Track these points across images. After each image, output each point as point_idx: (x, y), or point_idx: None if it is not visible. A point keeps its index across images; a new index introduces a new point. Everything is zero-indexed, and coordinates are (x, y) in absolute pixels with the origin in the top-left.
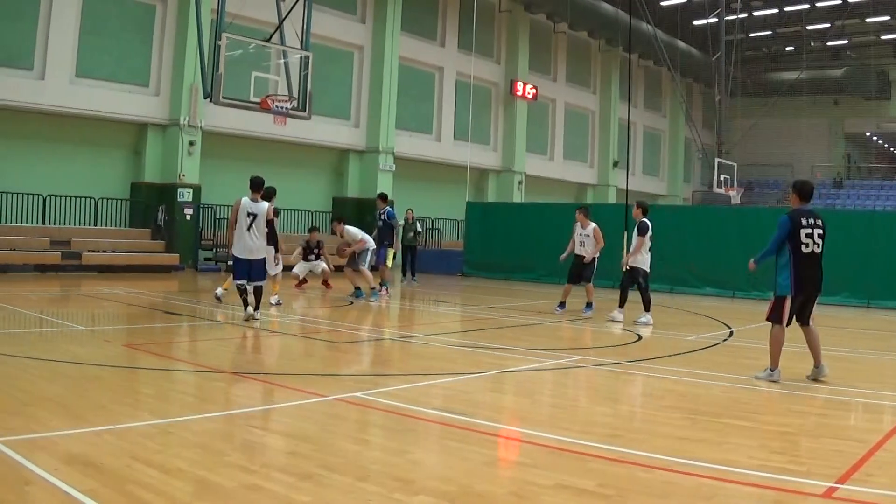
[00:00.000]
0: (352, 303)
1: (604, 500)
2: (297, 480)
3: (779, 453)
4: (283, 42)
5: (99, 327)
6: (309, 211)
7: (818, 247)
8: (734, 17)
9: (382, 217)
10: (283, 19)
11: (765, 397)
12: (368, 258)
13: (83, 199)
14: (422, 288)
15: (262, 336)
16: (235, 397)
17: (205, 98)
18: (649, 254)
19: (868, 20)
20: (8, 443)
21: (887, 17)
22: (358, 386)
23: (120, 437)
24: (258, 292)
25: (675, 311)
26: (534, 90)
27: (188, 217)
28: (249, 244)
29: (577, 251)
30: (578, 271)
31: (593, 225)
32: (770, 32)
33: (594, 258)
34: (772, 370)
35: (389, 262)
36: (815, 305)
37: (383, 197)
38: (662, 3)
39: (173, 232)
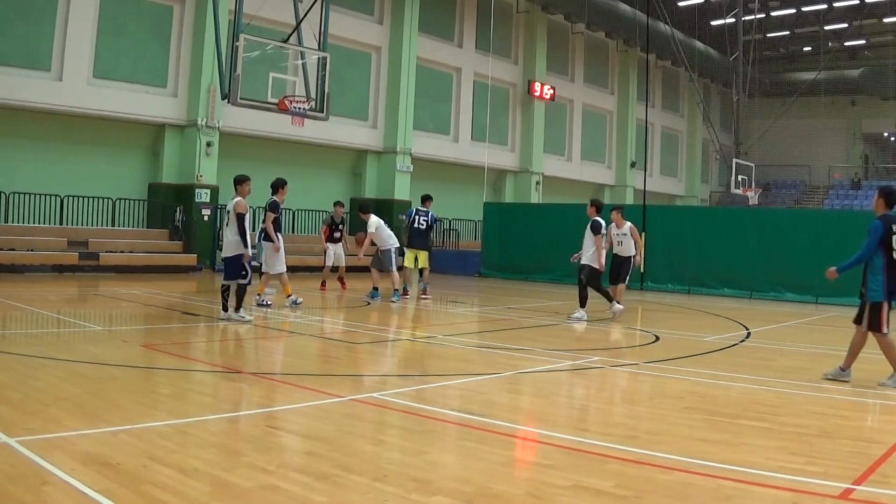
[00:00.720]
0: (368, 303)
1: (621, 501)
2: (313, 481)
3: (796, 454)
4: (300, 43)
5: (116, 328)
6: (327, 211)
7: None
8: (751, 17)
9: (425, 219)
10: (301, 20)
11: (782, 398)
12: (393, 259)
13: (101, 199)
14: (439, 289)
15: (278, 337)
16: (252, 397)
17: (222, 99)
18: (603, 252)
19: (886, 20)
20: (25, 443)
21: None
22: (375, 386)
23: (137, 437)
24: (238, 291)
25: (693, 311)
26: (551, 91)
27: (206, 218)
28: (223, 242)
29: (615, 251)
30: (617, 271)
31: (629, 224)
32: (787, 32)
33: (630, 257)
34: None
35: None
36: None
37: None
38: (680, 4)
39: (191, 232)
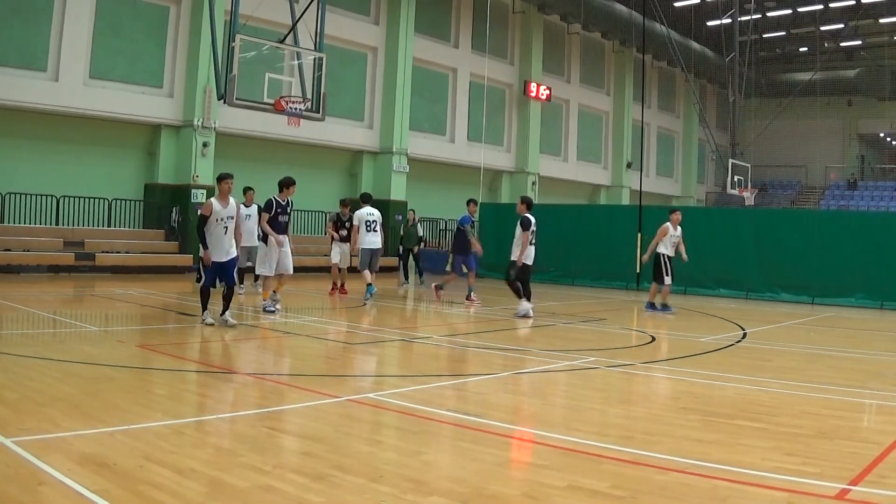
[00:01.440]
0: (365, 303)
1: (617, 501)
2: (310, 481)
3: (792, 455)
4: (296, 43)
5: (112, 328)
6: (322, 212)
7: None
8: (748, 17)
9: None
10: (297, 21)
11: (778, 399)
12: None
13: (97, 200)
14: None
15: (275, 337)
16: (249, 398)
17: (218, 99)
18: (532, 247)
19: (882, 20)
20: (22, 443)
21: None
22: (371, 387)
23: (133, 437)
24: (201, 293)
25: (689, 312)
26: (547, 91)
27: None
28: None
29: (671, 253)
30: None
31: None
32: (784, 33)
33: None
34: None
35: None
36: None
37: (474, 201)
38: (676, 4)
39: (187, 233)
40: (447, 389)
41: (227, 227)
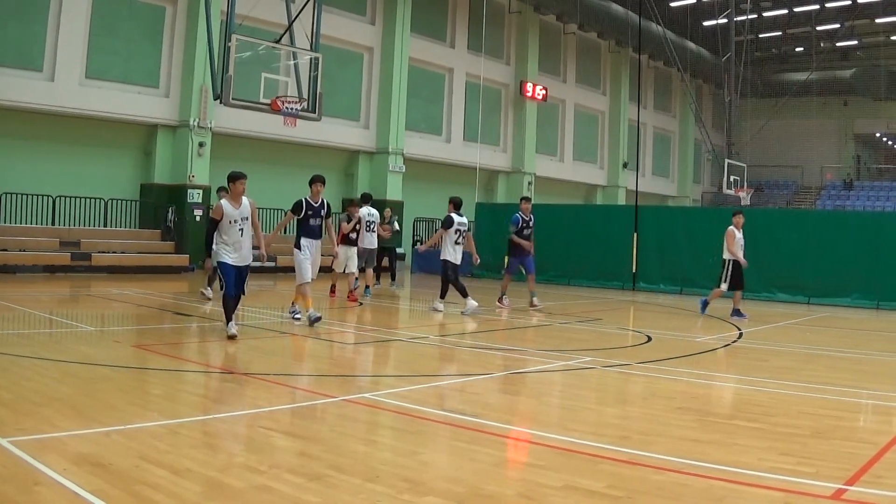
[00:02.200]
0: (361, 304)
1: (613, 501)
2: (306, 481)
3: (788, 455)
4: (292, 43)
5: (108, 328)
6: None
7: None
8: (744, 17)
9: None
10: (293, 21)
11: (775, 399)
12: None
13: (93, 200)
14: (431, 289)
15: (271, 337)
16: (244, 398)
17: (214, 99)
18: (458, 247)
19: (878, 21)
20: (17, 443)
21: None
22: (367, 387)
23: (129, 437)
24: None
25: (685, 312)
26: (543, 91)
27: (198, 218)
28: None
29: (738, 257)
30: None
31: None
32: (780, 33)
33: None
34: None
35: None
36: None
37: (526, 199)
38: (672, 4)
39: (183, 233)
40: (443, 389)
41: (242, 229)
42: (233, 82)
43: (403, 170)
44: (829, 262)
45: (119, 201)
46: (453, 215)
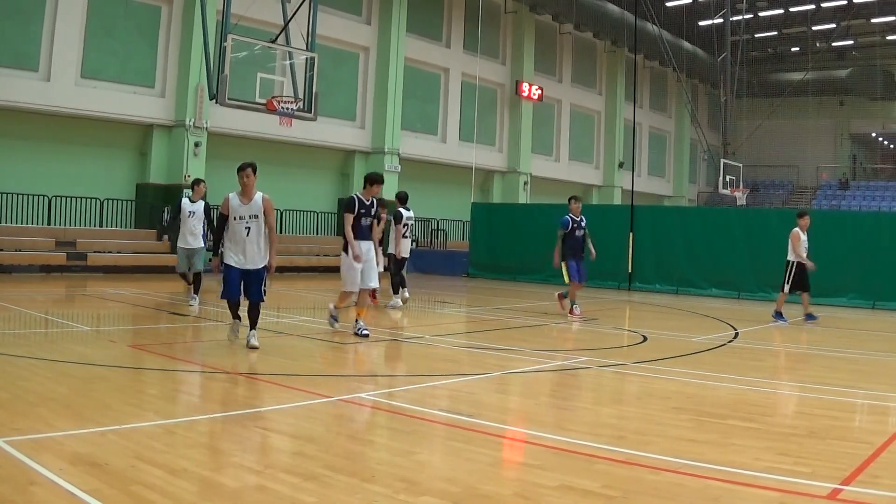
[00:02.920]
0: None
1: (609, 501)
2: (302, 481)
3: (784, 455)
4: (288, 43)
5: (104, 328)
6: (314, 212)
7: None
8: (739, 17)
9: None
10: (289, 20)
11: (771, 399)
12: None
13: (89, 199)
14: (427, 289)
15: (267, 337)
16: (240, 398)
17: (210, 99)
18: (405, 240)
19: (873, 20)
20: (13, 443)
21: (893, 18)
22: (363, 387)
23: (125, 437)
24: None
25: (681, 312)
26: (539, 91)
27: None
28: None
29: (802, 259)
30: (806, 279)
31: None
32: (775, 33)
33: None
34: None
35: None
36: None
37: (575, 198)
38: (668, 4)
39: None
40: (439, 389)
41: (248, 228)
42: (228, 82)
43: (399, 170)
44: (825, 262)
45: (115, 201)
46: (402, 210)
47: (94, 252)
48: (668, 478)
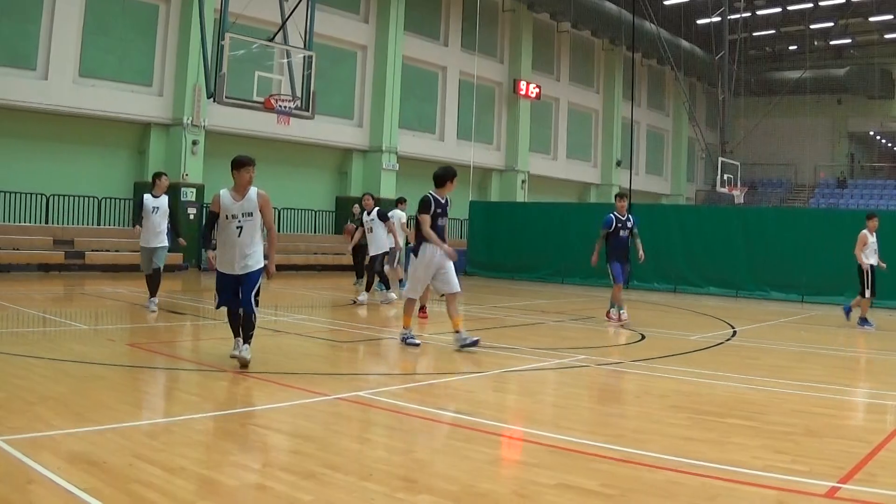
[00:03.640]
0: (354, 302)
1: (607, 499)
2: (299, 479)
3: (782, 453)
4: (286, 42)
5: (102, 326)
6: (312, 210)
7: None
8: (737, 16)
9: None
10: (287, 19)
11: (768, 397)
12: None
13: (87, 198)
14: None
15: (265, 335)
16: (238, 396)
17: (208, 98)
18: (390, 237)
19: (871, 19)
20: (11, 441)
21: (890, 16)
22: (361, 385)
23: (123, 435)
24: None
25: (679, 310)
26: (537, 89)
27: (191, 217)
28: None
29: (873, 262)
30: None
31: None
32: (773, 31)
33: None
34: None
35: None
36: None
37: (620, 196)
38: (666, 2)
39: (177, 231)
40: (437, 388)
41: (241, 228)
42: (226, 81)
43: (397, 168)
44: (823, 260)
45: (113, 200)
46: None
47: (92, 251)
48: (666, 476)
